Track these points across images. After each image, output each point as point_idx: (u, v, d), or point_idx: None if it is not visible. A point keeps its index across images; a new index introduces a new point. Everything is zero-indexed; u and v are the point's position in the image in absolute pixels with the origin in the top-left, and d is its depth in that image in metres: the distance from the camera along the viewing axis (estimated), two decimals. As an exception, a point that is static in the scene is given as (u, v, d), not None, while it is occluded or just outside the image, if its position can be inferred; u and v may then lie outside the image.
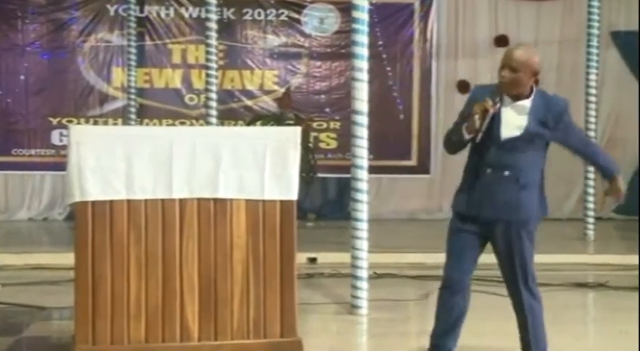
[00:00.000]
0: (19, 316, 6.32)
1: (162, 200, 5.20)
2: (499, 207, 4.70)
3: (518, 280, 4.78)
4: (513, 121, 4.68)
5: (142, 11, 11.90)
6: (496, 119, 4.67)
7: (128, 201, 5.16)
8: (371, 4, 6.69)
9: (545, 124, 4.65)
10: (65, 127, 11.49)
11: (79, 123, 11.53)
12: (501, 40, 12.29)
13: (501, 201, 4.69)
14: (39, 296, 6.94)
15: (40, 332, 6.01)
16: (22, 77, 11.72)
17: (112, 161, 5.13)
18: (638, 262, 8.33)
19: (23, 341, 5.76)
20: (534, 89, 4.70)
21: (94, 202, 5.11)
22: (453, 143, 4.85)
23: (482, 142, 4.68)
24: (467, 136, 4.71)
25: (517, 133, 4.65)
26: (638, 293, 7.10)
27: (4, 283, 7.25)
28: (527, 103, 4.68)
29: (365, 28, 6.51)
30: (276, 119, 11.23)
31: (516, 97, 4.69)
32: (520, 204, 4.68)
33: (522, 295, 4.78)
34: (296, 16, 12.16)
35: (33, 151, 11.76)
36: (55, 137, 11.79)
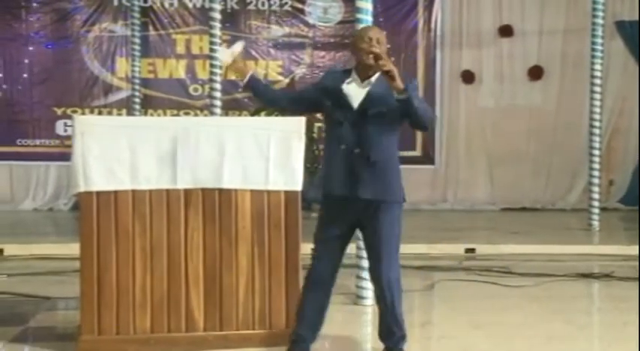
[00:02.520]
0: (24, 306, 6.33)
1: (167, 190, 5.21)
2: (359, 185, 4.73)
3: (381, 262, 4.80)
4: (358, 94, 4.76)
5: (145, 1, 11.91)
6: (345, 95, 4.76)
7: (133, 191, 5.18)
8: (374, -7, 6.66)
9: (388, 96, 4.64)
10: (70, 117, 11.51)
11: (83, 113, 11.55)
12: (506, 30, 12.28)
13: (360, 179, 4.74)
14: (44, 286, 6.95)
15: (46, 322, 6.01)
16: (26, 67, 11.72)
17: (117, 151, 5.13)
18: (638, 254, 8.30)
19: (29, 331, 5.77)
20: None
21: (98, 193, 5.13)
22: None
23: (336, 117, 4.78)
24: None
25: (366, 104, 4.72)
26: (638, 284, 7.10)
27: (9, 274, 7.26)
28: (373, 78, 4.76)
29: (369, 18, 6.49)
30: (281, 109, 11.19)
31: (363, 78, 4.77)
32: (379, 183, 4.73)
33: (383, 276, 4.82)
34: (300, 6, 12.15)
35: (38, 142, 11.77)
36: (59, 127, 11.80)
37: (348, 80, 4.80)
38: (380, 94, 4.69)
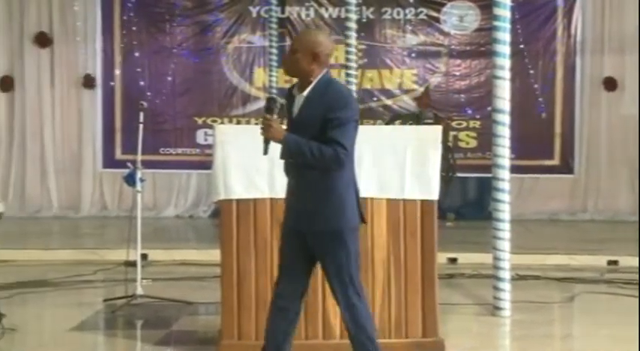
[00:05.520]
0: (167, 310, 6.53)
1: None
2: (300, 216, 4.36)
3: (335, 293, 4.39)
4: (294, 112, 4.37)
5: (283, 12, 12.11)
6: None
7: (271, 199, 5.27)
8: (512, 0, 6.57)
9: (315, 115, 4.23)
10: (210, 126, 11.83)
11: (222, 122, 11.83)
12: (650, 35, 11.85)
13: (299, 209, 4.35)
14: (186, 291, 7.15)
15: (188, 326, 6.20)
16: (169, 78, 12.11)
17: (256, 160, 5.14)
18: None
19: (172, 335, 5.96)
20: (320, 76, 4.30)
21: (238, 201, 5.26)
22: None
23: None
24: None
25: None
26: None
27: (154, 278, 7.50)
28: (306, 91, 4.33)
29: (507, 25, 6.41)
30: (415, 118, 11.19)
31: (302, 86, 4.33)
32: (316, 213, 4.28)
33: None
34: (435, 14, 12.09)
35: (179, 150, 12.14)
36: (200, 136, 12.14)
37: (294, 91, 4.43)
38: (308, 110, 4.30)
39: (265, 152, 4.36)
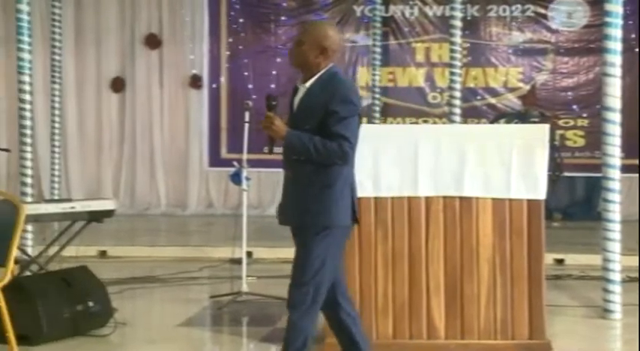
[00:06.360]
0: (272, 308, 6.58)
1: (408, 198, 5.28)
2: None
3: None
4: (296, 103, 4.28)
5: (387, 11, 12.08)
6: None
7: (375, 198, 5.29)
8: (624, -4, 6.40)
9: (315, 106, 4.16)
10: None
11: (327, 122, 11.85)
12: None
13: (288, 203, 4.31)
14: (289, 289, 7.20)
15: (292, 324, 6.24)
16: (273, 79, 12.22)
17: (360, 160, 5.17)
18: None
19: (277, 332, 5.98)
20: (326, 69, 4.25)
21: (342, 200, 5.27)
22: None
23: None
24: None
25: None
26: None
27: (258, 276, 7.58)
28: (309, 82, 4.26)
29: (618, 21, 6.25)
30: (521, 117, 11.00)
31: (305, 78, 4.27)
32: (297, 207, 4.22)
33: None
34: (542, 11, 11.86)
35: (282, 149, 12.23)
36: (302, 136, 12.20)
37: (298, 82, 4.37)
38: (308, 101, 4.24)
39: (270, 150, 4.30)
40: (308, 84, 4.26)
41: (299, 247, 4.30)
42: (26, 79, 7.77)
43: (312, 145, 4.11)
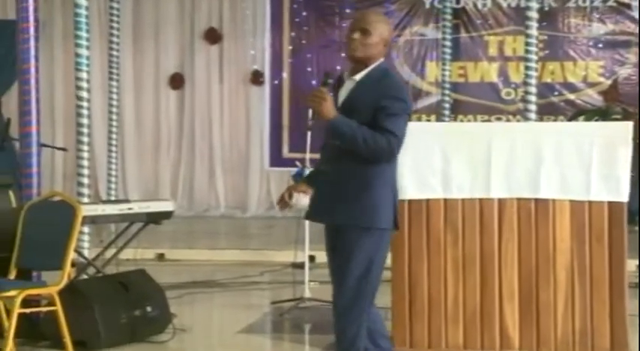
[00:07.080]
0: (335, 314, 6.40)
1: (480, 199, 5.15)
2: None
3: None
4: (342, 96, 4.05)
5: (457, 2, 11.78)
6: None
7: (445, 200, 5.16)
8: None
9: (365, 101, 3.92)
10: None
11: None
12: None
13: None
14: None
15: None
16: (337, 74, 11.99)
17: (429, 159, 5.14)
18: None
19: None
20: (378, 63, 4.03)
21: (410, 201, 5.13)
22: None
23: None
24: None
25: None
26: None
27: (321, 281, 7.37)
28: (359, 76, 4.01)
29: None
30: (602, 114, 10.65)
31: (355, 70, 4.03)
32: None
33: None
34: (626, 0, 11.41)
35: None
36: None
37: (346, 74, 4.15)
38: (357, 96, 4.01)
39: (309, 128, 4.07)
40: (358, 77, 4.05)
41: (344, 249, 4.06)
42: (84, 75, 7.64)
43: (361, 134, 3.89)
